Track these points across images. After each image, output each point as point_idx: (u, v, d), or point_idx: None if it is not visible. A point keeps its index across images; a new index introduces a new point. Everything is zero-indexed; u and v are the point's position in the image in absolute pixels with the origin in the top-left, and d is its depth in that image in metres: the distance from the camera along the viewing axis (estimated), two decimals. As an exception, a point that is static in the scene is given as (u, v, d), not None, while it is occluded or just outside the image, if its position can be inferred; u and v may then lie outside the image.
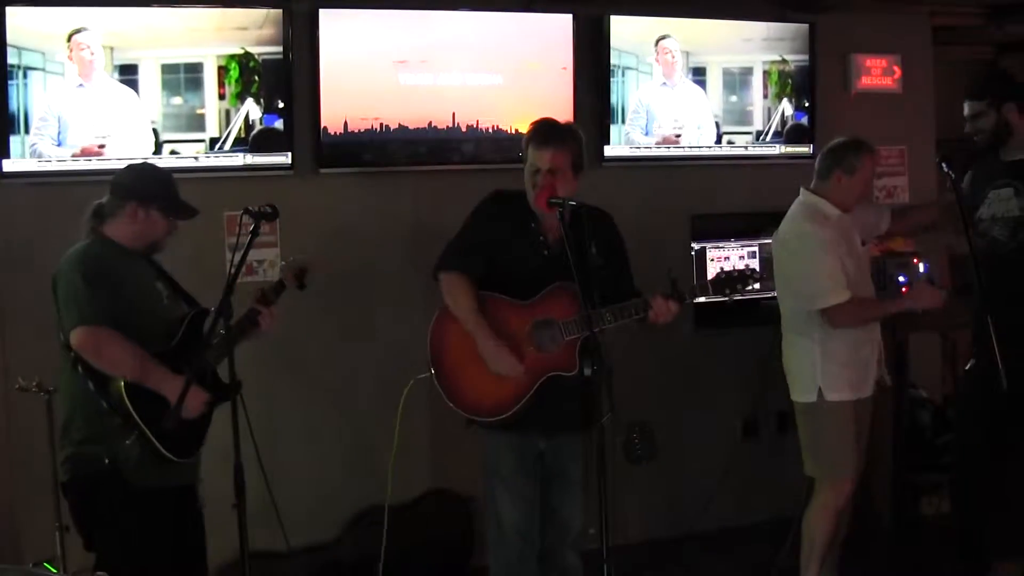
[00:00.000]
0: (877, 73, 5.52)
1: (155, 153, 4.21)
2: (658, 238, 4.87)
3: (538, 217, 3.52)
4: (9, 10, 3.93)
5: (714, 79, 5.12)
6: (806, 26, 5.27)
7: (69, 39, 4.05)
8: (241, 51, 4.31)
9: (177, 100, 4.26)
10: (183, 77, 4.25)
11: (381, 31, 4.52)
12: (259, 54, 4.33)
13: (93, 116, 4.11)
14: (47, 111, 4.05)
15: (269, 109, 4.37)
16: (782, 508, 4.74)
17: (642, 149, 5.00)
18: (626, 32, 4.90)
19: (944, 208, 4.45)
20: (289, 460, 4.45)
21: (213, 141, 4.31)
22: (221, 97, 4.31)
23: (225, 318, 3.07)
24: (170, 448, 3.17)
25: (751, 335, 4.94)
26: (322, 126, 4.46)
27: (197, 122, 4.29)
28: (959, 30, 6.06)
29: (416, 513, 4.68)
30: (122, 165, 3.54)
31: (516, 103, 4.72)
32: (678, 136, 5.03)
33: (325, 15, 4.40)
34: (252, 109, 4.35)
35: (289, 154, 4.41)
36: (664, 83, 5.02)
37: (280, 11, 4.34)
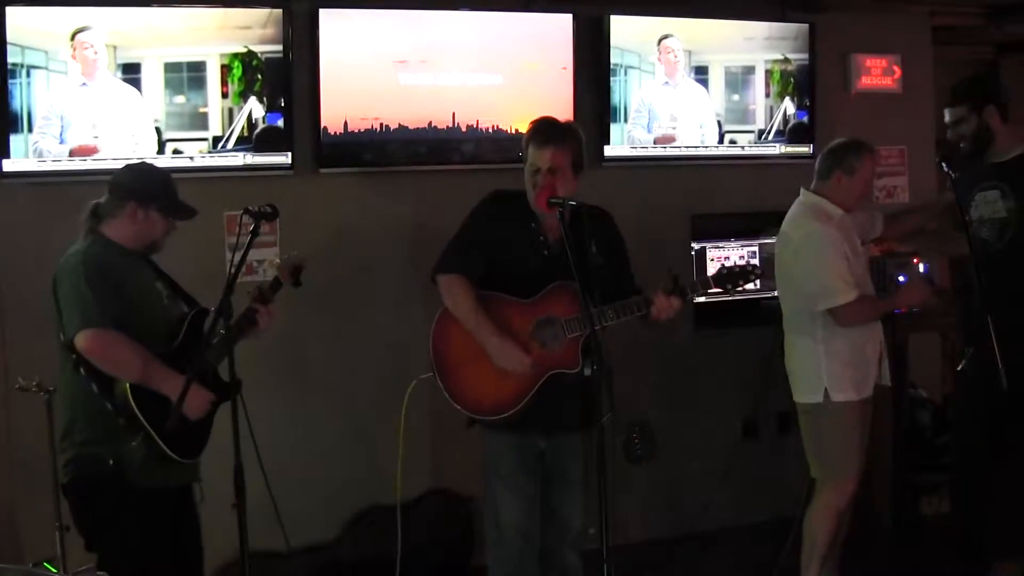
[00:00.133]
0: (877, 73, 5.53)
1: (159, 152, 4.21)
2: (658, 238, 4.87)
3: (538, 217, 3.52)
4: (12, 9, 3.93)
5: (716, 78, 5.13)
6: (808, 25, 5.27)
7: (72, 38, 4.05)
8: (244, 50, 4.31)
9: (180, 99, 4.26)
10: (186, 76, 4.25)
11: (381, 31, 4.52)
12: (262, 53, 4.33)
13: (96, 115, 4.11)
14: (50, 110, 4.04)
15: (272, 108, 4.37)
16: (782, 508, 4.74)
17: (642, 149, 5.00)
18: (628, 31, 4.91)
19: (935, 210, 4.49)
20: (289, 460, 4.44)
21: (216, 140, 4.31)
22: (224, 96, 4.31)
23: (225, 318, 3.07)
24: (175, 449, 3.17)
25: (751, 335, 4.95)
26: (322, 126, 4.46)
27: (200, 121, 4.29)
28: (959, 30, 6.06)
29: (416, 513, 4.68)
30: (122, 165, 3.54)
31: (516, 103, 4.72)
32: (672, 133, 5.02)
33: (325, 15, 4.40)
34: (255, 108, 4.35)
35: (289, 154, 4.41)
36: (666, 82, 5.02)
37: (281, 11, 4.34)
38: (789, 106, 5.27)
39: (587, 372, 3.37)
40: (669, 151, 5.06)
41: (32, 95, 4.01)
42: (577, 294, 3.31)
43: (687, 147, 5.10)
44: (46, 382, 3.58)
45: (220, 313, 3.08)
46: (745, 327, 5.11)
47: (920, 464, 5.00)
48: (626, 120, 4.95)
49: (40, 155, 4.04)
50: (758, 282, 3.59)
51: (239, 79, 4.31)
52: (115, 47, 4.13)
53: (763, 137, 5.24)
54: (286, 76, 4.37)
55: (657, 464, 5.17)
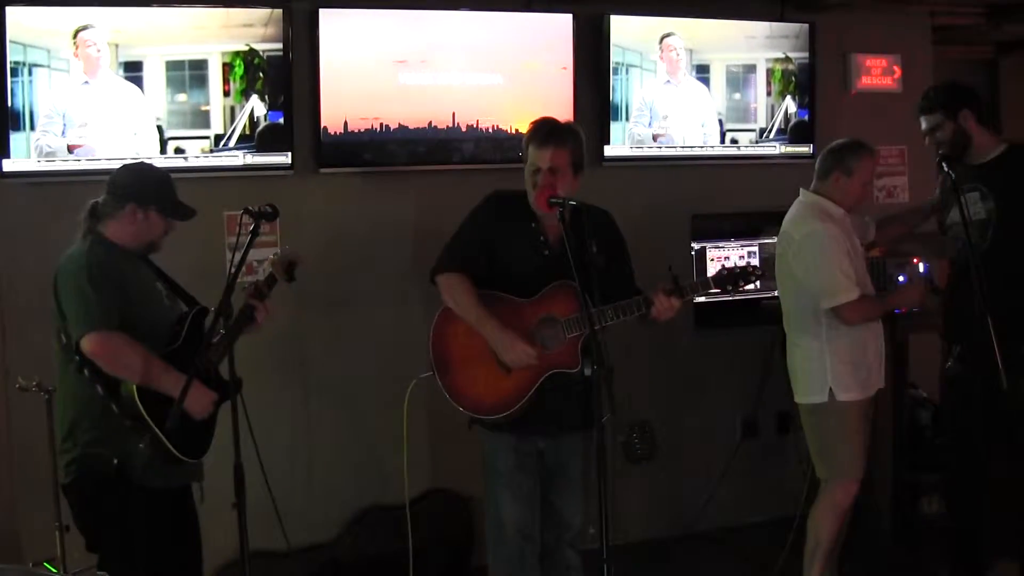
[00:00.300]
0: (877, 73, 5.53)
1: (161, 150, 4.21)
2: (658, 238, 4.87)
3: (538, 217, 3.52)
4: (12, 8, 3.93)
5: (717, 76, 5.13)
6: (807, 25, 5.27)
7: (75, 36, 4.05)
8: (246, 48, 4.31)
9: (182, 97, 4.26)
10: (188, 74, 4.25)
11: (381, 31, 4.52)
12: (264, 51, 4.33)
13: (98, 113, 4.11)
14: (52, 108, 4.05)
15: (274, 106, 4.37)
16: (782, 508, 4.74)
17: (642, 149, 5.00)
18: (629, 30, 4.91)
19: (921, 214, 4.51)
20: (289, 460, 4.45)
21: (218, 138, 4.31)
22: (226, 94, 4.31)
23: (225, 318, 3.08)
24: (182, 449, 3.17)
25: (751, 335, 4.96)
26: (322, 126, 4.46)
27: (202, 119, 4.29)
28: (959, 30, 6.07)
29: (417, 513, 4.67)
30: (121, 164, 3.53)
31: (516, 103, 4.72)
32: (663, 132, 5.02)
33: (325, 15, 4.40)
34: (257, 106, 4.35)
35: (289, 154, 4.41)
36: (668, 81, 5.02)
37: (281, 10, 4.34)
38: (790, 105, 5.27)
39: (587, 372, 3.37)
40: (669, 151, 5.06)
41: (34, 93, 4.01)
42: (577, 294, 3.31)
43: (687, 147, 5.10)
44: (46, 382, 3.58)
45: (220, 313, 3.09)
46: (745, 327, 5.11)
47: (920, 464, 5.00)
48: (627, 119, 4.95)
49: (43, 153, 4.04)
50: (758, 282, 3.58)
51: (241, 77, 4.31)
52: (117, 45, 4.13)
53: (764, 136, 5.24)
54: (287, 75, 4.37)
55: (657, 464, 5.17)
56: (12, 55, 3.95)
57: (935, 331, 4.37)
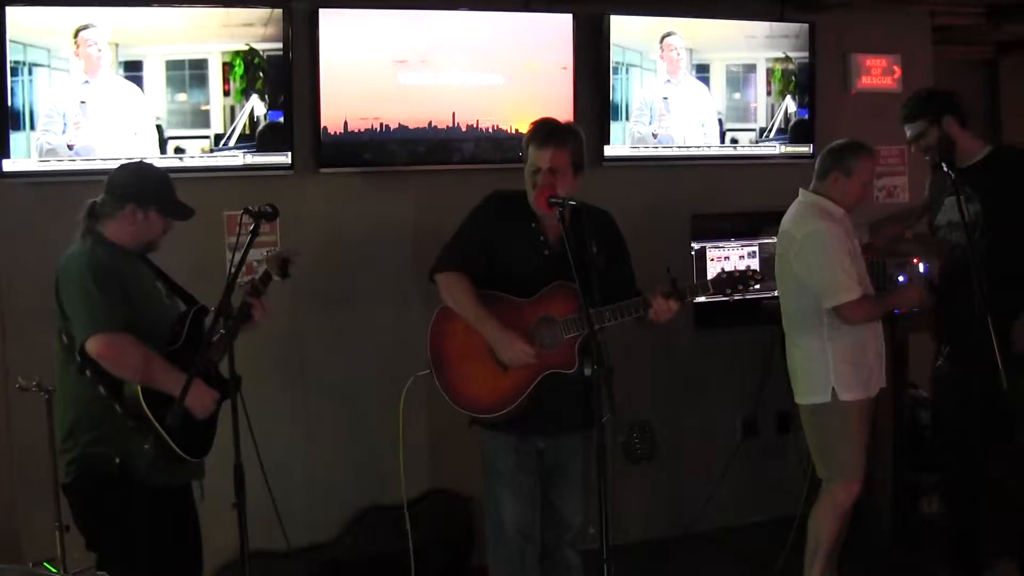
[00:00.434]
0: (877, 73, 5.53)
1: (161, 150, 4.21)
2: (658, 238, 4.87)
3: (538, 217, 3.52)
4: (12, 8, 3.93)
5: (717, 76, 5.13)
6: (807, 25, 5.27)
7: (76, 35, 4.05)
8: (246, 47, 4.31)
9: (182, 96, 4.26)
10: (188, 74, 4.25)
11: (381, 31, 4.52)
12: (264, 51, 4.33)
13: (98, 113, 4.11)
14: (53, 108, 4.04)
15: (274, 106, 4.37)
16: (782, 508, 4.74)
17: (642, 149, 5.00)
18: (630, 29, 4.91)
19: (913, 216, 4.54)
20: (289, 460, 4.45)
21: (218, 138, 4.31)
22: (226, 94, 4.31)
23: (226, 318, 3.08)
24: (185, 448, 3.18)
25: (751, 335, 4.96)
26: (322, 126, 4.46)
27: (202, 119, 4.29)
28: (959, 30, 6.07)
29: (416, 513, 4.67)
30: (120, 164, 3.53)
31: (516, 103, 4.72)
32: (663, 132, 5.03)
33: (325, 15, 4.40)
34: (257, 105, 4.35)
35: (289, 154, 4.40)
36: (668, 80, 5.03)
37: (281, 10, 4.34)
38: (790, 104, 5.27)
39: (587, 372, 3.37)
40: (669, 151, 5.06)
41: (34, 93, 4.01)
42: (575, 294, 3.31)
43: (687, 147, 5.10)
44: (46, 382, 3.58)
45: (220, 313, 3.09)
46: (745, 327, 5.11)
47: (920, 464, 5.00)
48: (627, 118, 4.95)
49: (44, 152, 4.03)
50: (759, 284, 3.58)
51: (241, 77, 4.31)
52: (117, 45, 4.13)
53: (764, 135, 5.24)
54: (287, 75, 4.37)
55: (657, 464, 5.17)
56: (12, 55, 3.95)
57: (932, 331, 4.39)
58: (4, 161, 4.00)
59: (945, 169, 3.72)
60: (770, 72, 5.22)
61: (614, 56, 4.88)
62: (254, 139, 4.35)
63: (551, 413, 3.50)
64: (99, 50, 4.08)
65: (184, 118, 4.26)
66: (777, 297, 4.17)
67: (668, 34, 4.99)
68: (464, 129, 4.67)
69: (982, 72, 7.04)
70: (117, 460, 3.15)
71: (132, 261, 3.33)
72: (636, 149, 4.99)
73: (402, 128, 4.58)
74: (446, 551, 4.69)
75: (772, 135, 5.25)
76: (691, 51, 5.05)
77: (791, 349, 4.07)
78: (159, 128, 4.23)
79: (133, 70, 4.16)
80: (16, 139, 4.00)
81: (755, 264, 5.20)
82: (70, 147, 4.08)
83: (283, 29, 4.34)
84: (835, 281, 3.84)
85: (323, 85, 4.42)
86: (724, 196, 5.23)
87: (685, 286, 3.41)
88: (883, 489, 4.87)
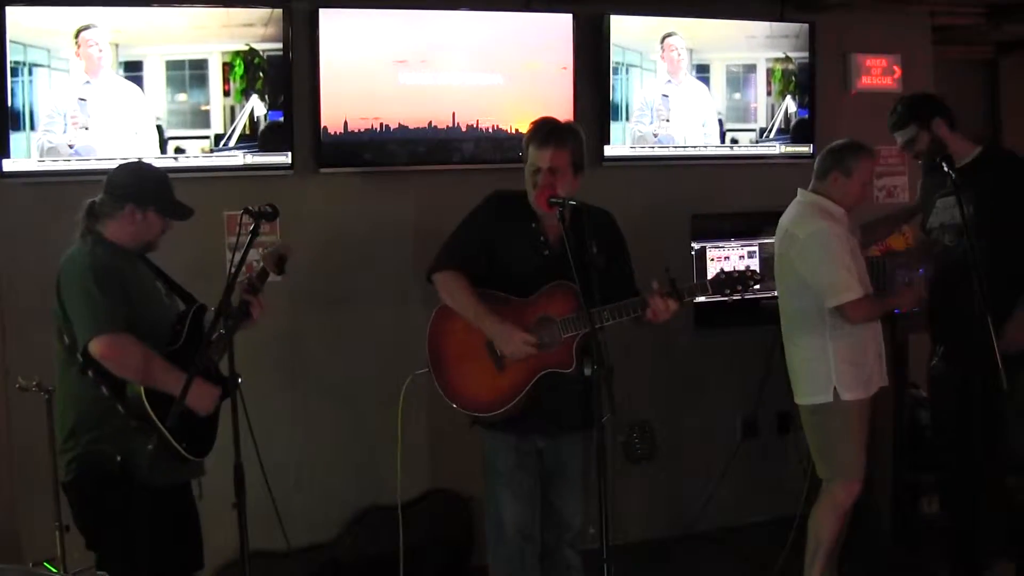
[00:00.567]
0: (877, 73, 5.53)
1: (161, 150, 4.21)
2: (658, 238, 4.87)
3: (539, 217, 3.51)
4: (12, 8, 3.93)
5: (717, 76, 5.13)
6: (807, 25, 5.27)
7: (77, 36, 4.05)
8: (246, 48, 4.31)
9: (182, 97, 4.26)
10: (188, 74, 4.25)
11: (381, 31, 4.52)
12: (264, 51, 4.33)
13: (99, 113, 4.11)
14: (54, 108, 4.04)
15: (274, 106, 4.36)
16: (782, 508, 4.74)
17: (642, 149, 5.00)
18: (630, 29, 4.91)
19: (903, 217, 4.55)
20: (289, 460, 4.45)
21: (218, 138, 4.31)
22: (226, 94, 4.31)
23: (226, 318, 3.08)
24: (188, 447, 3.18)
25: (751, 335, 4.95)
26: (322, 126, 4.45)
27: (202, 119, 4.29)
28: (959, 30, 6.07)
29: (416, 513, 4.68)
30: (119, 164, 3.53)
31: (516, 103, 4.72)
32: (663, 132, 5.03)
33: (325, 15, 4.40)
34: (257, 106, 4.35)
35: (289, 154, 4.40)
36: (669, 80, 5.03)
37: (281, 10, 4.34)
38: (791, 104, 5.27)
39: (587, 372, 3.36)
40: (669, 151, 5.06)
41: (34, 93, 4.01)
42: (574, 294, 3.31)
43: (687, 147, 5.10)
44: (46, 382, 3.58)
45: (220, 313, 3.09)
46: (745, 327, 5.11)
47: (920, 464, 5.00)
48: (627, 119, 4.95)
49: (45, 151, 4.03)
50: (759, 285, 3.58)
51: (241, 77, 4.31)
52: (117, 45, 4.13)
53: (764, 135, 5.24)
54: (287, 75, 4.37)
55: (657, 464, 5.17)
56: (12, 55, 3.95)
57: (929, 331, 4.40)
58: (4, 161, 4.00)
59: (945, 169, 3.72)
60: (770, 72, 5.22)
61: (614, 56, 4.88)
62: (254, 139, 4.35)
63: (551, 413, 3.50)
64: (100, 51, 4.08)
65: (184, 118, 4.26)
66: (777, 297, 4.17)
67: (669, 34, 4.99)
68: (464, 129, 4.67)
69: (982, 72, 7.04)
70: (119, 458, 3.15)
71: (132, 261, 3.33)
72: (636, 149, 4.99)
73: (402, 128, 4.58)
74: (446, 551, 4.69)
75: (772, 135, 5.26)
76: (691, 51, 5.05)
77: (791, 349, 4.07)
78: (159, 128, 4.23)
79: (133, 70, 4.16)
80: (16, 139, 4.00)
81: (755, 264, 5.20)
82: (71, 147, 4.08)
83: (283, 29, 4.34)
84: (838, 280, 3.85)
85: (323, 85, 4.42)
86: (724, 196, 5.23)
87: (684, 287, 3.41)
88: (883, 489, 4.87)
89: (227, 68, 4.29)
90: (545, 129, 3.50)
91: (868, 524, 4.67)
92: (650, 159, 5.04)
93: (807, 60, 5.28)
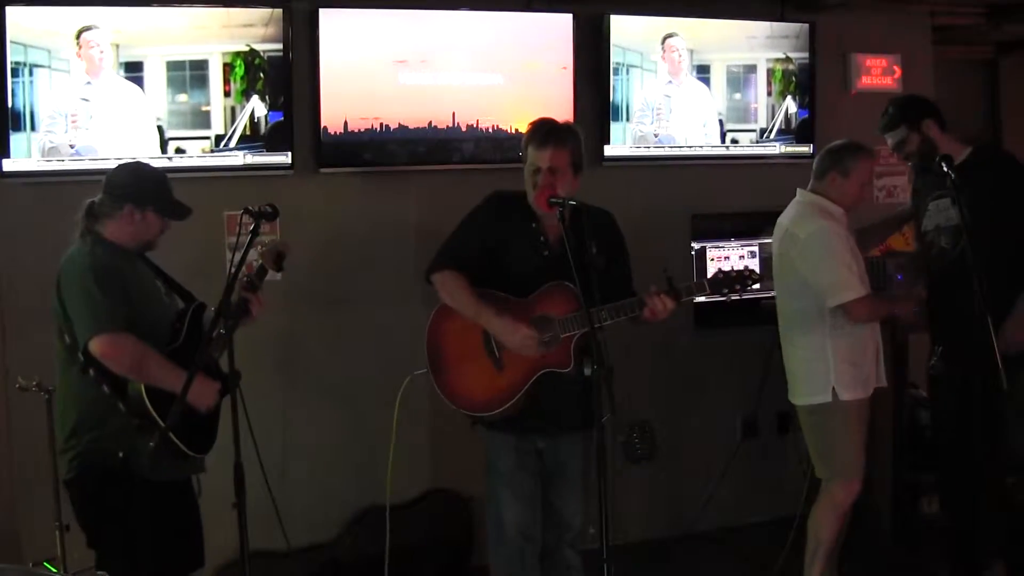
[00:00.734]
0: (877, 73, 5.53)
1: (161, 151, 4.21)
2: (658, 238, 4.87)
3: (538, 217, 3.52)
4: (13, 8, 3.93)
5: (718, 77, 5.13)
6: (807, 25, 5.27)
7: (78, 36, 4.05)
8: (247, 48, 4.31)
9: (182, 97, 4.26)
10: (188, 74, 4.25)
11: (381, 31, 4.52)
12: (264, 51, 4.33)
13: (100, 113, 4.11)
14: (55, 109, 4.04)
15: (275, 106, 4.36)
16: (782, 508, 4.74)
17: (642, 149, 5.00)
18: (631, 30, 4.91)
19: (896, 222, 4.55)
20: (289, 460, 4.45)
21: (219, 138, 4.31)
22: (227, 94, 4.31)
23: (226, 318, 3.08)
24: (189, 444, 3.20)
25: (751, 335, 4.95)
26: (322, 126, 4.46)
27: (202, 119, 4.29)
28: (959, 30, 6.07)
29: (416, 513, 4.68)
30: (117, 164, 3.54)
31: (516, 103, 4.72)
32: (664, 132, 5.03)
33: (325, 15, 4.40)
34: (257, 106, 4.35)
35: (289, 154, 4.41)
36: (670, 81, 5.03)
37: (281, 10, 4.34)
38: (791, 105, 5.27)
39: (587, 372, 3.36)
40: (669, 151, 5.06)
41: (35, 94, 4.01)
42: (572, 294, 3.32)
43: (687, 147, 5.10)
44: (46, 382, 3.58)
45: (220, 313, 3.10)
46: (745, 327, 5.10)
47: (920, 464, 5.00)
48: (628, 119, 4.95)
49: (46, 152, 4.03)
50: (756, 286, 3.58)
51: (241, 78, 4.31)
52: (117, 46, 4.13)
53: (765, 136, 5.25)
54: (287, 75, 4.37)
55: (657, 464, 5.17)
56: (13, 55, 3.95)
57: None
58: (4, 161, 4.00)
59: (945, 169, 3.72)
60: (770, 72, 5.23)
61: (614, 57, 4.88)
62: (255, 140, 4.35)
63: (550, 413, 3.50)
64: (101, 51, 4.09)
65: (185, 119, 4.26)
66: (776, 297, 4.16)
67: (670, 35, 4.99)
68: (464, 129, 4.67)
69: (982, 72, 7.04)
70: (120, 455, 3.17)
71: (131, 260, 3.34)
72: (636, 149, 4.99)
73: (402, 128, 4.58)
74: (446, 551, 4.69)
75: (773, 135, 5.26)
76: (692, 52, 5.05)
77: (790, 349, 4.07)
78: (160, 129, 4.23)
79: (134, 71, 4.16)
80: (16, 139, 4.00)
81: (755, 264, 5.20)
82: (72, 147, 4.08)
83: (283, 29, 4.34)
84: (839, 279, 3.85)
85: (323, 85, 4.42)
86: (724, 196, 5.23)
87: (681, 286, 3.41)
88: (883, 489, 4.87)
89: (227, 69, 4.29)
90: (544, 129, 3.50)
91: (868, 524, 4.67)
92: (650, 159, 5.04)
93: (807, 60, 5.28)
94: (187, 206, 3.41)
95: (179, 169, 4.16)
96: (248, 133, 4.34)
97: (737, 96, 5.19)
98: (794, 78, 5.27)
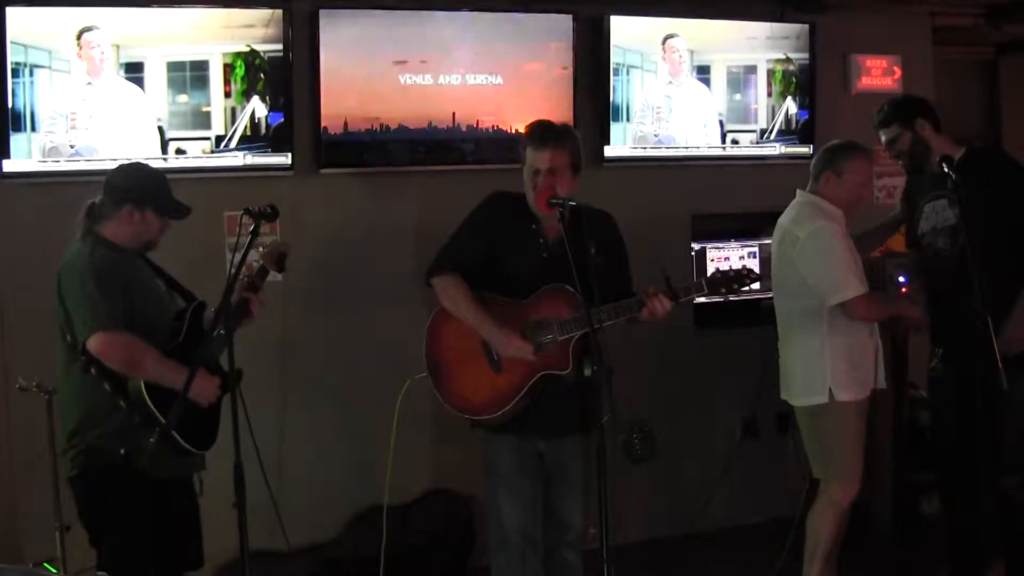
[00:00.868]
0: (877, 73, 5.53)
1: (162, 151, 4.21)
2: (658, 238, 4.87)
3: (538, 218, 3.51)
4: (13, 9, 3.93)
5: (718, 77, 5.13)
6: (807, 25, 5.27)
7: (79, 37, 4.05)
8: (247, 49, 4.31)
9: (183, 98, 4.26)
10: (189, 75, 4.25)
11: (381, 31, 4.52)
12: (265, 52, 4.33)
13: (101, 114, 4.11)
14: (55, 110, 4.04)
15: (275, 107, 4.36)
16: (782, 508, 4.75)
17: (642, 149, 5.00)
18: (631, 30, 4.91)
19: (889, 227, 4.54)
20: (289, 460, 4.45)
21: (219, 139, 4.31)
22: (227, 95, 4.31)
23: (226, 318, 3.09)
24: (191, 440, 3.21)
25: (751, 335, 4.95)
26: (322, 126, 4.46)
27: (203, 120, 4.29)
28: (959, 30, 6.06)
29: (416, 513, 4.68)
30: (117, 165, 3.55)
31: (516, 103, 4.72)
32: (664, 132, 5.03)
33: (325, 15, 4.40)
34: (258, 107, 4.35)
35: (289, 154, 4.41)
36: (670, 81, 5.03)
37: (281, 11, 4.34)
38: (791, 105, 5.27)
39: (587, 372, 3.37)
40: (669, 151, 5.06)
41: (35, 94, 4.01)
42: (571, 296, 3.32)
43: (687, 147, 5.10)
44: (46, 382, 3.59)
45: (220, 314, 3.10)
46: (745, 327, 5.10)
47: (920, 464, 5.00)
48: (628, 119, 4.95)
49: (47, 152, 4.04)
50: (756, 284, 3.58)
51: (242, 78, 4.31)
52: (118, 46, 4.13)
53: (765, 136, 5.25)
54: (288, 76, 4.37)
55: (657, 464, 5.16)
56: (13, 56, 3.95)
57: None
58: (4, 162, 4.00)
59: (946, 169, 3.72)
60: (771, 73, 5.23)
61: (615, 57, 4.88)
62: (255, 140, 4.34)
63: (550, 415, 3.50)
64: (102, 52, 4.09)
65: (185, 119, 4.27)
66: (774, 298, 4.17)
67: (670, 35, 4.99)
68: (464, 129, 4.67)
69: (982, 72, 7.04)
70: (122, 451, 3.18)
71: (131, 260, 3.36)
72: (636, 149, 4.99)
73: (402, 128, 4.58)
74: (446, 551, 4.69)
75: (773, 136, 5.26)
76: (692, 52, 5.05)
77: (787, 350, 4.07)
78: (160, 129, 4.23)
79: (134, 71, 4.17)
80: (17, 140, 4.00)
81: (755, 264, 5.20)
82: (72, 147, 4.08)
83: (283, 30, 4.34)
84: (840, 277, 3.85)
85: (323, 85, 4.42)
86: (724, 197, 5.23)
87: (679, 286, 3.41)
88: (883, 489, 4.88)
89: (228, 69, 4.29)
90: (542, 131, 3.51)
91: (868, 524, 4.67)
92: (650, 160, 5.04)
93: (807, 61, 5.28)
94: (187, 206, 3.42)
95: (179, 170, 4.16)
96: (248, 134, 4.34)
97: (737, 97, 5.19)
98: (794, 79, 5.27)
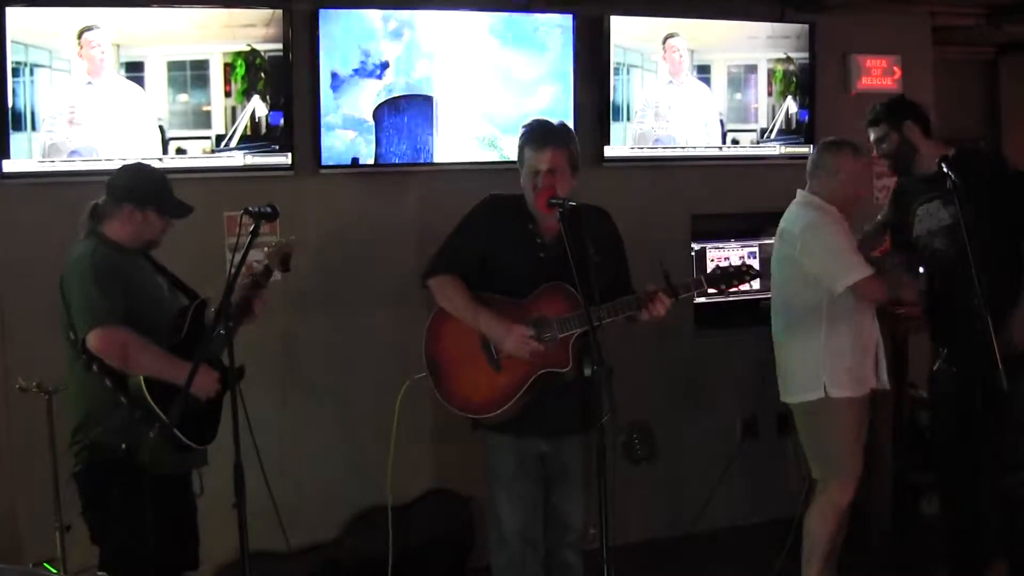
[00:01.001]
0: (877, 73, 5.53)
1: (163, 151, 4.21)
2: (658, 238, 4.86)
3: (536, 218, 3.51)
4: (13, 8, 3.93)
5: (718, 77, 5.13)
6: (807, 26, 5.27)
7: (79, 36, 4.05)
8: (247, 48, 4.31)
9: (183, 97, 4.26)
10: (189, 74, 4.25)
11: (380, 31, 4.51)
12: (265, 51, 4.33)
13: (101, 113, 4.11)
14: (56, 109, 4.04)
15: (275, 106, 4.36)
16: (782, 508, 4.74)
17: (642, 149, 5.00)
18: (631, 30, 4.91)
19: (879, 233, 4.53)
20: (289, 460, 4.45)
21: (219, 138, 4.31)
22: (227, 94, 4.31)
23: (226, 318, 3.09)
24: (191, 436, 3.23)
25: (751, 335, 4.94)
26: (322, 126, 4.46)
27: (203, 119, 4.29)
28: (959, 30, 6.07)
29: (416, 513, 4.68)
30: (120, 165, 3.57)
31: (516, 103, 4.71)
32: (665, 132, 5.03)
33: (325, 15, 4.40)
34: (258, 106, 4.35)
35: (289, 154, 4.40)
36: (670, 81, 5.03)
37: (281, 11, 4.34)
38: (791, 105, 5.27)
39: (587, 372, 3.37)
40: (669, 151, 5.06)
41: (35, 94, 4.01)
42: (569, 294, 3.32)
43: (687, 147, 5.10)
44: (46, 382, 3.59)
45: (221, 313, 3.11)
46: (745, 327, 5.10)
47: (920, 464, 5.01)
48: (628, 119, 4.95)
49: (47, 152, 4.03)
50: (757, 282, 3.58)
51: (242, 78, 4.31)
52: (118, 46, 4.13)
53: (765, 136, 5.25)
54: (288, 75, 4.37)
55: (657, 464, 5.17)
56: (13, 55, 3.95)
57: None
58: (4, 161, 4.00)
59: (945, 170, 3.71)
60: (771, 73, 5.23)
61: (615, 57, 4.88)
62: (256, 139, 4.34)
63: (551, 415, 3.50)
64: (103, 52, 4.09)
65: (186, 119, 4.27)
66: (772, 298, 4.17)
67: (670, 35, 4.99)
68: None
69: (982, 72, 7.04)
70: (123, 446, 3.21)
71: (134, 259, 3.40)
72: (636, 149, 4.99)
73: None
74: (446, 551, 4.69)
75: (773, 136, 5.26)
76: (692, 52, 5.05)
77: (784, 348, 4.07)
78: (161, 129, 4.23)
79: (135, 71, 4.16)
80: (17, 139, 4.00)
81: (755, 264, 5.19)
82: (72, 147, 4.08)
83: (283, 30, 4.34)
84: (845, 262, 3.86)
85: (323, 85, 4.42)
86: (724, 196, 5.23)
87: (678, 283, 3.41)
88: (883, 489, 4.88)
89: (228, 69, 4.29)
90: (541, 131, 3.50)
91: (868, 524, 4.67)
92: (650, 159, 5.04)
93: (807, 61, 5.28)
94: (188, 204, 3.44)
95: (180, 169, 4.16)
96: (249, 133, 4.34)
97: (738, 96, 5.19)
98: (795, 78, 5.27)
